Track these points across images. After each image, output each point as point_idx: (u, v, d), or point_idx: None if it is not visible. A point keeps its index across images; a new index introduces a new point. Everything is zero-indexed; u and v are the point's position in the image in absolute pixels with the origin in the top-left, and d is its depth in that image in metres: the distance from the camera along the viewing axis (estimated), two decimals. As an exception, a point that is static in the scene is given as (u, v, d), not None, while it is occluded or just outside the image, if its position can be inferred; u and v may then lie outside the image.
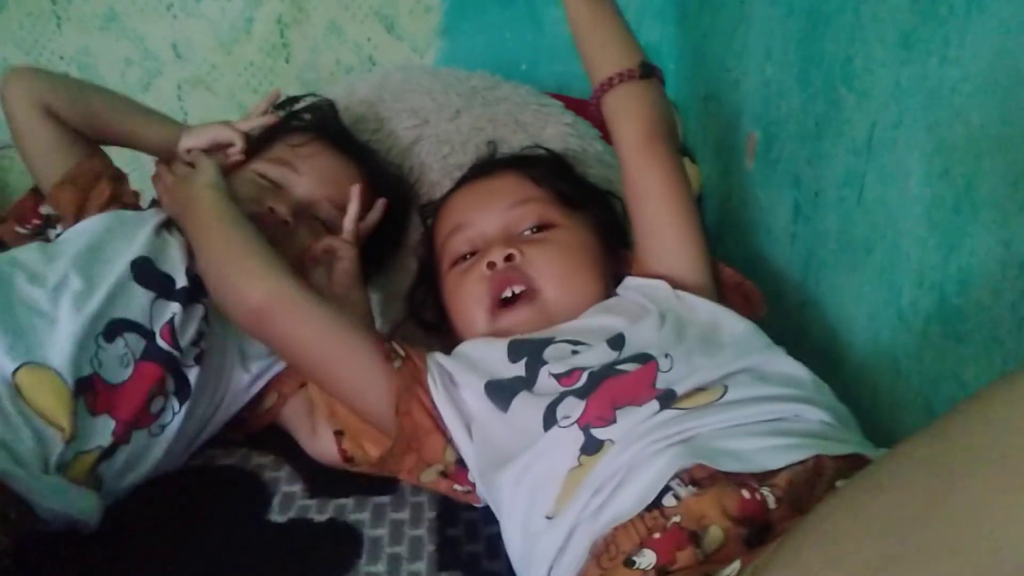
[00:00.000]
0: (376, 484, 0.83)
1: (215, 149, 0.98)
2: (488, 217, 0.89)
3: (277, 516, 0.80)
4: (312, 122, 1.05)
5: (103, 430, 0.76)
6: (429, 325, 0.97)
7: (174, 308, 0.83)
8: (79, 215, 0.92)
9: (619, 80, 0.85)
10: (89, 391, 0.75)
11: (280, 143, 1.00)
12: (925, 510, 0.35)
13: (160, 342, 0.81)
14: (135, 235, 0.87)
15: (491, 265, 0.84)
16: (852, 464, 0.58)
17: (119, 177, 0.98)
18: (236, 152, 0.97)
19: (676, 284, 0.80)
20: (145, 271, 0.84)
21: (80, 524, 0.74)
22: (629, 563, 0.54)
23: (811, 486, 0.56)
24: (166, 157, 0.99)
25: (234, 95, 1.43)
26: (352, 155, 1.02)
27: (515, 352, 0.76)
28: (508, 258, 0.83)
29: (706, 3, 1.29)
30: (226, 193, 0.88)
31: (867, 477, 0.41)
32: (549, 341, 0.76)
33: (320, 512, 0.80)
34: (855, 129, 0.80)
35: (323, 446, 0.86)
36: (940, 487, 0.35)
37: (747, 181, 1.09)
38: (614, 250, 0.91)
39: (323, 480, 0.84)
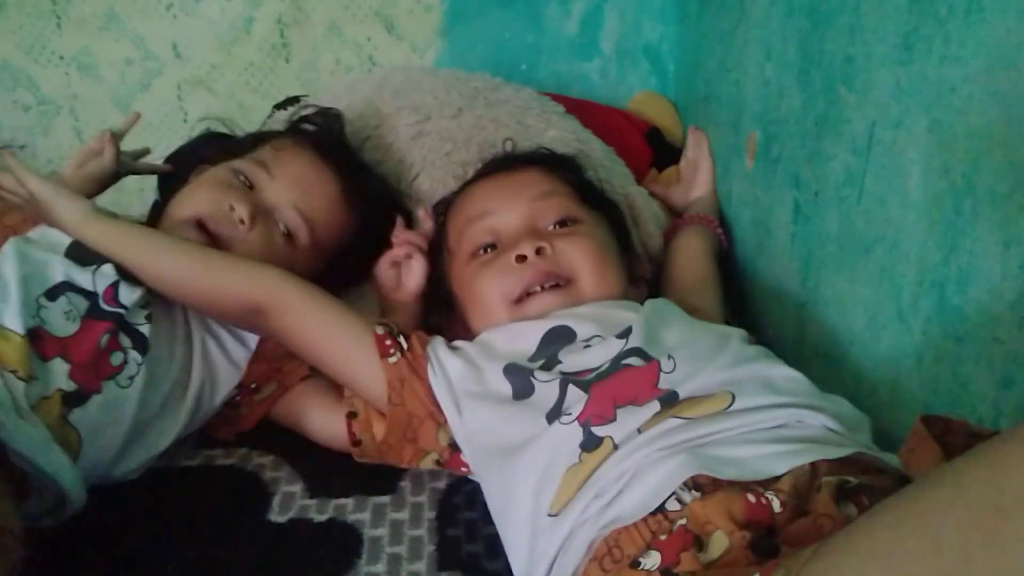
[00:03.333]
0: (376, 484, 0.83)
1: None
2: (511, 207, 0.87)
3: (277, 516, 0.80)
4: (308, 129, 1.04)
5: (58, 372, 0.76)
6: (434, 328, 0.96)
7: (113, 276, 0.83)
8: None
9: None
10: (36, 339, 0.76)
11: (267, 145, 0.99)
12: (975, 550, 0.34)
13: (103, 304, 0.81)
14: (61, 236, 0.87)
15: (521, 259, 0.82)
16: (850, 464, 0.58)
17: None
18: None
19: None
20: (78, 251, 0.84)
21: (60, 497, 0.72)
22: (635, 564, 0.54)
23: (809, 489, 0.56)
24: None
25: (234, 95, 1.43)
26: (333, 165, 0.99)
27: (539, 350, 0.77)
28: (538, 252, 0.82)
29: (706, 3, 1.29)
30: (98, 213, 0.85)
31: (912, 496, 0.40)
32: (571, 338, 0.76)
33: (320, 512, 0.80)
34: (855, 129, 0.80)
35: (335, 426, 0.86)
36: (999, 525, 0.34)
37: (747, 181, 1.09)
38: (627, 251, 0.92)
39: (323, 480, 0.84)
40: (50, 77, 1.39)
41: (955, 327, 0.67)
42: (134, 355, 0.82)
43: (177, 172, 1.02)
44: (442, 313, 0.94)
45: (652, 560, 0.54)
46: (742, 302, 1.10)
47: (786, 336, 0.96)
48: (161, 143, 1.38)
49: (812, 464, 0.57)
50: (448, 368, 0.78)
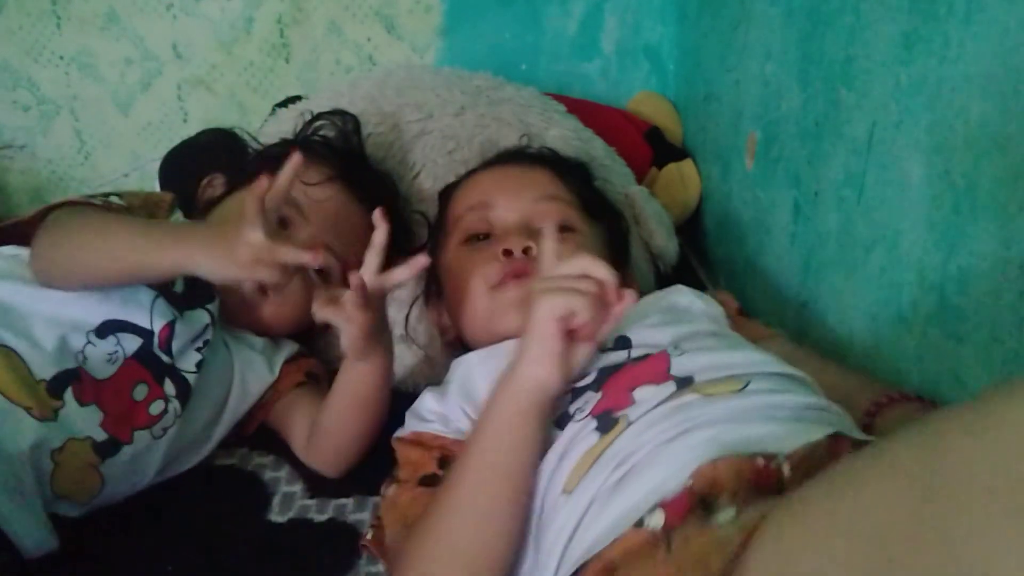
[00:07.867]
0: (376, 484, 0.83)
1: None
2: (512, 203, 0.88)
3: (277, 516, 0.80)
4: (333, 153, 1.00)
5: (90, 420, 0.75)
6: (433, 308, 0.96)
7: (173, 312, 0.82)
8: None
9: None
10: (76, 381, 0.75)
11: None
12: (910, 530, 0.35)
13: (156, 347, 0.80)
14: None
15: (507, 253, 0.82)
16: None
17: None
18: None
19: None
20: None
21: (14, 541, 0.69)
22: (639, 523, 0.53)
23: (826, 464, 0.54)
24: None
25: (234, 95, 1.43)
26: (363, 196, 0.95)
27: None
28: (525, 250, 0.82)
29: (706, 3, 1.29)
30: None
31: (851, 469, 0.41)
32: None
33: (320, 512, 0.80)
34: (855, 129, 0.80)
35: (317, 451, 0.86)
36: (925, 509, 0.35)
37: (747, 181, 1.09)
38: (619, 267, 0.91)
39: (323, 480, 0.85)
40: (50, 77, 1.39)
41: (955, 327, 0.67)
42: (175, 405, 0.80)
43: (180, 171, 1.01)
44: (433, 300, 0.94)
45: (655, 519, 0.53)
46: (742, 302, 1.10)
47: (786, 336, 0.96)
48: (161, 143, 1.39)
49: (833, 438, 0.56)
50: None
